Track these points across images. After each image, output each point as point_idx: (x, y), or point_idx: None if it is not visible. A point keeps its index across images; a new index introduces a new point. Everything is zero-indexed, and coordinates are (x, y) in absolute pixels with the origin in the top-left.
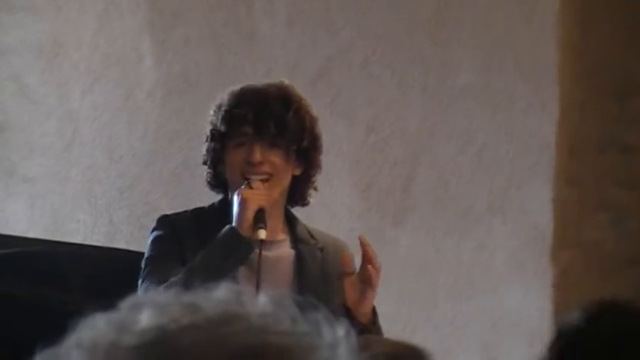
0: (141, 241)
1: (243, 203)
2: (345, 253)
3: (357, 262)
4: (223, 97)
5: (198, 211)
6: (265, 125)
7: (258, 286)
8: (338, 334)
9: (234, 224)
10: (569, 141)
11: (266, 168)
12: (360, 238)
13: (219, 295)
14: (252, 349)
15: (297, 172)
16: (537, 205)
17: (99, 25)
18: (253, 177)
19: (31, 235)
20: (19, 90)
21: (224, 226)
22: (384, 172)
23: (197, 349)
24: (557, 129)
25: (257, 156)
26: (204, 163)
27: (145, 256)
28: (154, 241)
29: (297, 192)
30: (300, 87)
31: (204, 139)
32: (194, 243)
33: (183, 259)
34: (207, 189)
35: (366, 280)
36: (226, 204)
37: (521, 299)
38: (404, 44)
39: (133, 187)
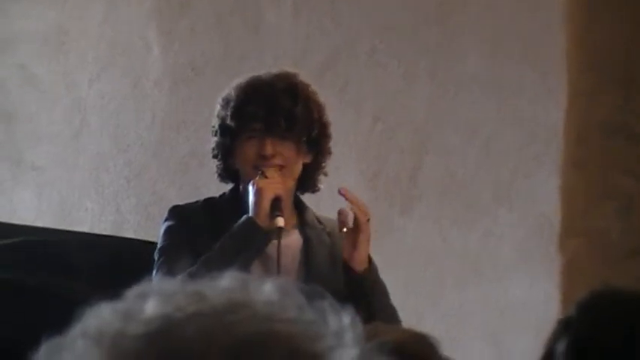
0: (148, 230)
1: (259, 193)
2: (342, 209)
3: None
4: (230, 91)
5: (210, 201)
6: (276, 121)
7: (278, 274)
8: (344, 322)
9: (250, 214)
10: (576, 129)
11: (278, 160)
12: (340, 190)
13: (224, 284)
14: (258, 336)
15: (308, 159)
16: (544, 194)
17: (105, 14)
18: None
19: (38, 223)
20: (26, 79)
21: (236, 216)
22: (391, 161)
23: (203, 337)
24: (565, 117)
25: (269, 150)
26: (214, 157)
27: (158, 246)
28: (167, 232)
29: (308, 179)
30: (307, 77)
31: (212, 132)
32: (207, 233)
33: (196, 249)
34: (215, 178)
35: (356, 227)
36: (238, 193)
37: (528, 288)
38: (410, 33)
39: (140, 176)
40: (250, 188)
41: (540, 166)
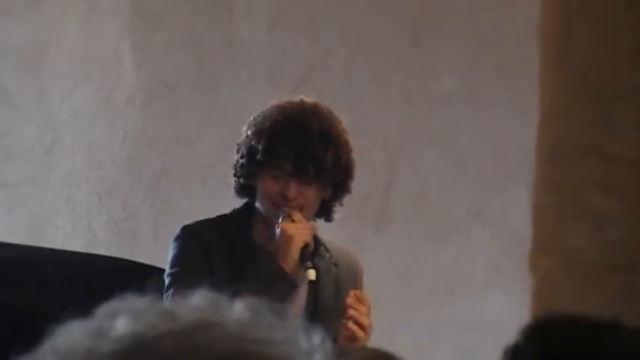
0: (120, 247)
1: (288, 240)
2: (352, 292)
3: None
4: (265, 121)
5: (222, 219)
6: (305, 166)
7: (309, 316)
8: (314, 342)
9: (279, 260)
10: (549, 147)
11: (300, 202)
12: (347, 301)
13: (195, 302)
14: (229, 356)
15: (328, 196)
16: (517, 212)
17: (80, 30)
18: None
19: (10, 240)
20: None
21: (248, 233)
22: (363, 179)
23: (173, 356)
24: (538, 135)
25: (292, 193)
26: (235, 174)
27: (170, 270)
28: (179, 255)
29: (324, 210)
30: (281, 92)
31: (237, 149)
32: (220, 252)
33: (211, 269)
34: (185, 195)
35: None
36: (251, 209)
37: (501, 306)
38: (384, 50)
39: (112, 193)
40: (278, 231)
41: (513, 184)
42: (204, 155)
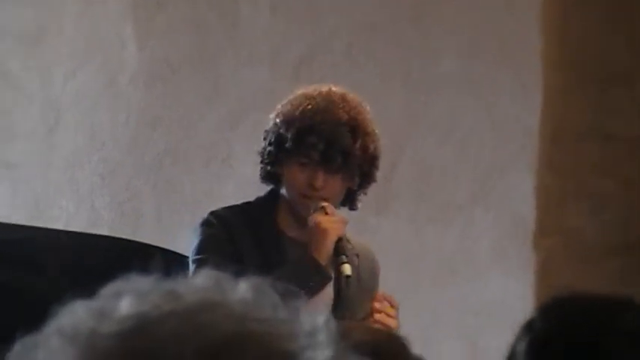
0: (122, 228)
1: (323, 234)
2: (379, 294)
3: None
4: (294, 109)
5: (247, 206)
6: (333, 156)
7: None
8: (317, 322)
9: (313, 253)
10: (551, 129)
11: (326, 193)
12: (374, 303)
13: (198, 283)
14: (233, 336)
15: (354, 185)
16: (519, 193)
17: (81, 11)
18: (316, 201)
19: (13, 220)
20: (0, 76)
21: (274, 222)
22: None
23: (177, 336)
24: (540, 117)
25: (319, 183)
26: (262, 161)
27: (196, 255)
28: (206, 241)
29: (349, 199)
30: (282, 74)
31: (264, 136)
32: (247, 239)
33: (238, 257)
34: (188, 175)
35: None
36: (276, 195)
37: (503, 287)
38: (386, 32)
39: (114, 174)
40: (311, 224)
41: (516, 166)
42: (207, 136)
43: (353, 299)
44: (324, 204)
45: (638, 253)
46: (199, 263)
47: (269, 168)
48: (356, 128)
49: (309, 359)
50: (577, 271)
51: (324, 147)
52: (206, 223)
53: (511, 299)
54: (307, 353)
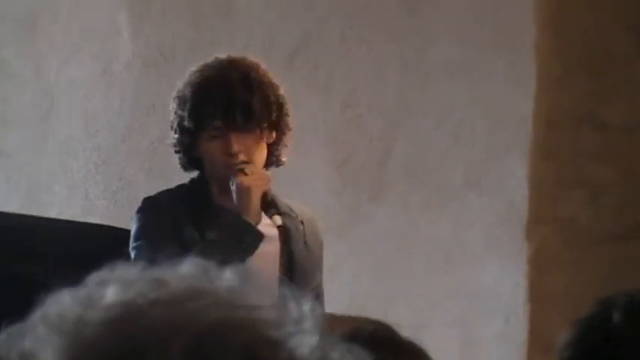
0: (116, 216)
1: (246, 192)
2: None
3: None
4: (184, 89)
5: (182, 188)
6: (234, 117)
7: (286, 276)
8: (304, 309)
9: (241, 214)
10: (546, 116)
11: (245, 156)
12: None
13: (185, 270)
14: (220, 323)
15: (271, 139)
16: (513, 181)
17: None
18: (240, 167)
19: (7, 208)
20: None
21: (210, 199)
22: (360, 148)
23: (164, 324)
24: (535, 104)
25: (235, 148)
26: (176, 152)
27: (134, 242)
28: (143, 227)
29: (272, 155)
30: (277, 61)
31: (170, 128)
32: (184, 216)
33: (179, 235)
34: None
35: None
36: (204, 180)
37: (497, 274)
38: (381, 19)
39: (108, 162)
40: (234, 188)
41: (510, 153)
42: None
43: (303, 268)
44: (242, 166)
45: (632, 242)
46: (137, 250)
47: (186, 155)
48: (249, 82)
49: (296, 346)
50: (571, 259)
51: (223, 111)
52: (141, 210)
53: (504, 286)
54: (294, 340)
